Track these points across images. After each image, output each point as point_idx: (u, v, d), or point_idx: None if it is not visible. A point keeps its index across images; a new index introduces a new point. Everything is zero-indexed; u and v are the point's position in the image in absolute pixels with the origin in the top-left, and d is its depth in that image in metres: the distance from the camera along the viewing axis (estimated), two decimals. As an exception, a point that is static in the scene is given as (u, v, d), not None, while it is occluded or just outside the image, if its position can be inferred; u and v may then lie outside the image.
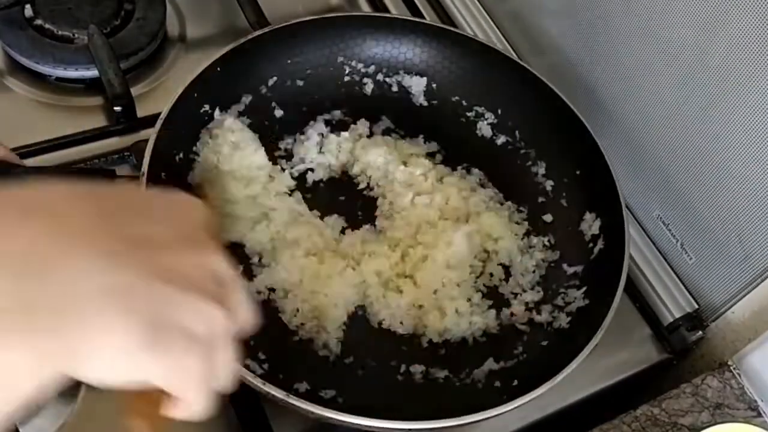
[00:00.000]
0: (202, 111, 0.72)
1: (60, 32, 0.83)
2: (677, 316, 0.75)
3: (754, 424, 0.64)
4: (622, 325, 0.75)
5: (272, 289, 0.67)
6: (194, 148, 0.71)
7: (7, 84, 0.82)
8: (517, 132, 0.79)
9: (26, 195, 0.32)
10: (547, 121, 0.77)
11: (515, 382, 0.63)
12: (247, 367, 0.56)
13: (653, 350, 0.75)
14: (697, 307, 0.75)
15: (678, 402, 0.69)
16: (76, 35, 0.83)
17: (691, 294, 0.76)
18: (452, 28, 0.84)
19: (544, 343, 0.67)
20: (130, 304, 0.30)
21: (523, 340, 0.68)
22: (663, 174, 0.75)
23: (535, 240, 0.74)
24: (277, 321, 0.66)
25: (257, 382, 0.55)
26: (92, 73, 0.81)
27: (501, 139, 0.80)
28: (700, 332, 0.75)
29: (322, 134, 0.77)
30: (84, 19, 0.83)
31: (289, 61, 0.77)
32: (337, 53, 0.79)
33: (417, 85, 0.81)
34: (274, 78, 0.77)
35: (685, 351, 0.76)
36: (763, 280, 0.67)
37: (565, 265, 0.72)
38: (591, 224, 0.72)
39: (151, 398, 0.35)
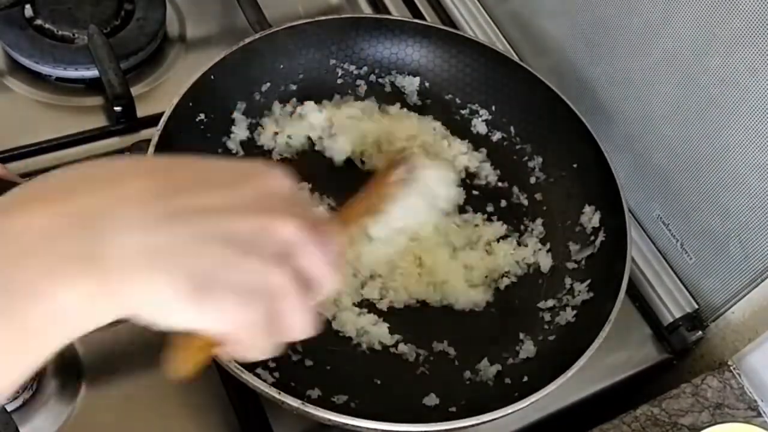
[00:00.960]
0: (197, 120, 0.72)
1: (60, 32, 0.83)
2: (677, 316, 0.75)
3: (754, 424, 0.64)
4: (622, 325, 0.75)
5: None
6: None
7: (7, 84, 0.82)
8: (512, 128, 0.80)
9: (103, 165, 0.37)
10: (542, 115, 0.78)
11: (525, 379, 0.63)
12: (258, 376, 0.56)
13: (653, 350, 0.75)
14: (697, 307, 0.75)
15: (678, 402, 0.69)
16: (76, 35, 0.83)
17: (691, 294, 0.75)
18: (442, 26, 0.84)
19: (552, 338, 0.67)
20: (174, 263, 0.33)
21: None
22: (663, 174, 0.75)
23: (534, 236, 0.74)
24: None
25: (272, 392, 0.55)
26: (92, 73, 0.81)
27: (497, 136, 0.80)
28: (700, 332, 0.74)
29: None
30: (84, 19, 0.83)
31: (281, 66, 0.78)
32: (329, 56, 0.80)
33: (410, 84, 0.82)
34: (268, 84, 0.77)
35: (685, 351, 0.75)
36: (763, 280, 0.67)
37: (567, 259, 0.72)
38: (591, 217, 0.72)
39: (200, 338, 0.37)
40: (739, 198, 0.67)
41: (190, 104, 0.69)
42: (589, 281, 0.69)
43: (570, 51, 0.82)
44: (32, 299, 0.32)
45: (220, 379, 0.64)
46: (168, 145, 0.66)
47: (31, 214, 0.33)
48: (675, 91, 0.70)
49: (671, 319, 0.75)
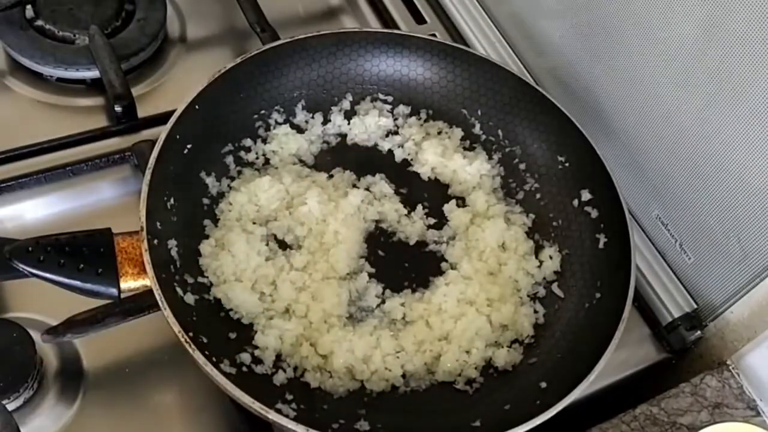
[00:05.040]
0: (185, 152, 0.68)
1: (61, 33, 0.83)
2: (676, 315, 0.75)
3: (753, 424, 0.64)
4: (622, 325, 0.76)
5: None
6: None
7: (8, 84, 0.82)
8: (500, 131, 0.79)
9: None
10: (526, 116, 0.77)
11: (544, 385, 0.64)
12: (279, 411, 0.56)
13: (652, 350, 0.75)
14: (695, 306, 0.75)
15: (677, 401, 0.69)
16: (77, 36, 0.83)
17: (690, 294, 0.76)
18: (411, 33, 0.82)
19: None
20: None
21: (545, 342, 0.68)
22: (662, 174, 0.75)
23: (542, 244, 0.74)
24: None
25: (296, 427, 0.54)
26: (93, 73, 0.81)
27: (483, 138, 0.80)
28: (699, 332, 0.75)
29: None
30: (85, 20, 0.83)
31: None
32: (310, 73, 0.78)
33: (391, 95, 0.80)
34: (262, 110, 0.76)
35: (684, 351, 0.76)
36: (761, 280, 0.68)
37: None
38: (590, 214, 0.72)
39: None
40: (737, 198, 0.67)
41: (177, 137, 0.67)
42: (595, 282, 0.69)
43: (570, 51, 0.83)
44: None
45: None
46: (161, 179, 0.64)
47: None
48: (674, 91, 0.70)
49: (670, 319, 0.75)
